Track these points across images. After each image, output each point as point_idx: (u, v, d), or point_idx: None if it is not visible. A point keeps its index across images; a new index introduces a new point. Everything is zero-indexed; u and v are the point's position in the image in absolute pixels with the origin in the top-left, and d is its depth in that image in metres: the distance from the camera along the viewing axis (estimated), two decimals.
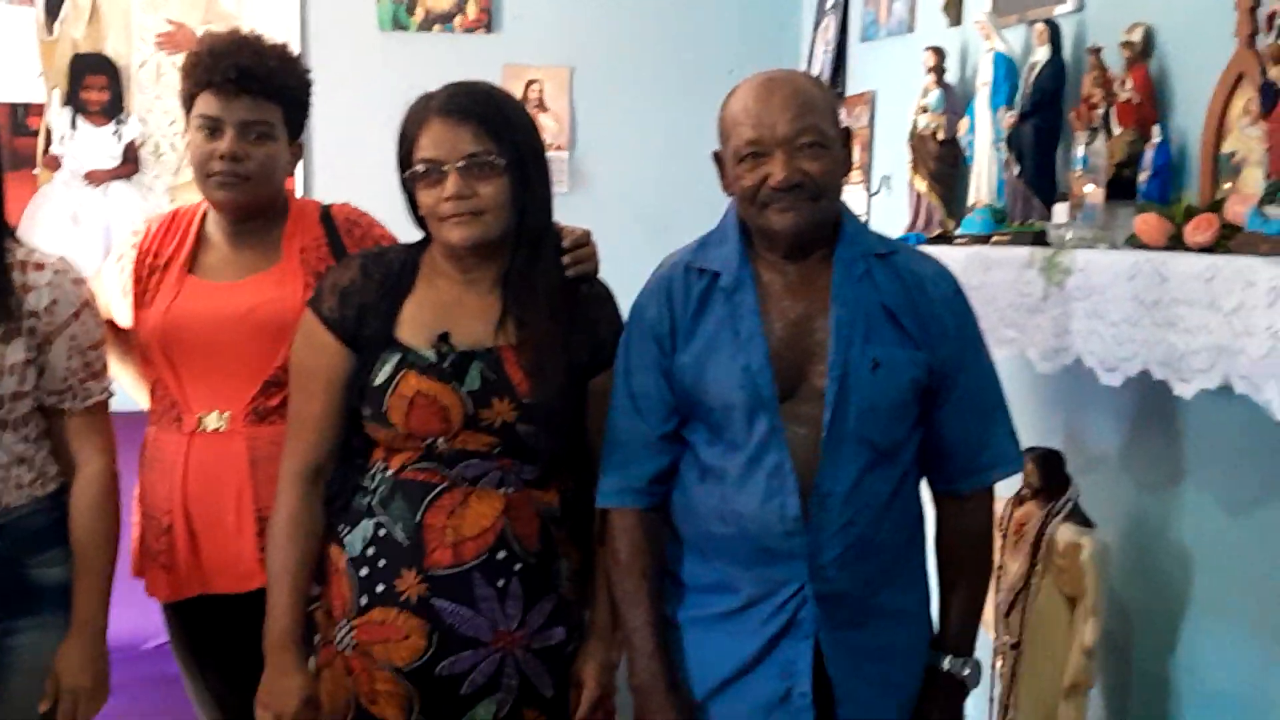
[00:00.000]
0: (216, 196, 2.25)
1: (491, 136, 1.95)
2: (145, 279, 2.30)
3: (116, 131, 4.06)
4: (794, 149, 1.84)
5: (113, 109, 4.06)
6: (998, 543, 2.34)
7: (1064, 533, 2.26)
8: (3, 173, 2.05)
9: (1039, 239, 2.40)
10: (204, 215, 2.33)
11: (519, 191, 1.98)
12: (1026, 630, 2.33)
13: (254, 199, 2.26)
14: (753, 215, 1.89)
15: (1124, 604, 2.33)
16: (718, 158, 1.96)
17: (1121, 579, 2.31)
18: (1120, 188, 2.32)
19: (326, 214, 2.36)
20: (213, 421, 2.23)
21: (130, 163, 4.09)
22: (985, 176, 2.78)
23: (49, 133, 4.03)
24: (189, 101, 2.25)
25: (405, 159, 2.00)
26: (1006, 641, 2.38)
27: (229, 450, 2.22)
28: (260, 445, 2.18)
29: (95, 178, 4.08)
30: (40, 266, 2.04)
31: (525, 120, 2.04)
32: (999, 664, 2.41)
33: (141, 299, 2.29)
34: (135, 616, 2.47)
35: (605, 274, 2.15)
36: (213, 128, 2.21)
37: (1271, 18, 1.91)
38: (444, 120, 1.95)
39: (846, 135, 1.94)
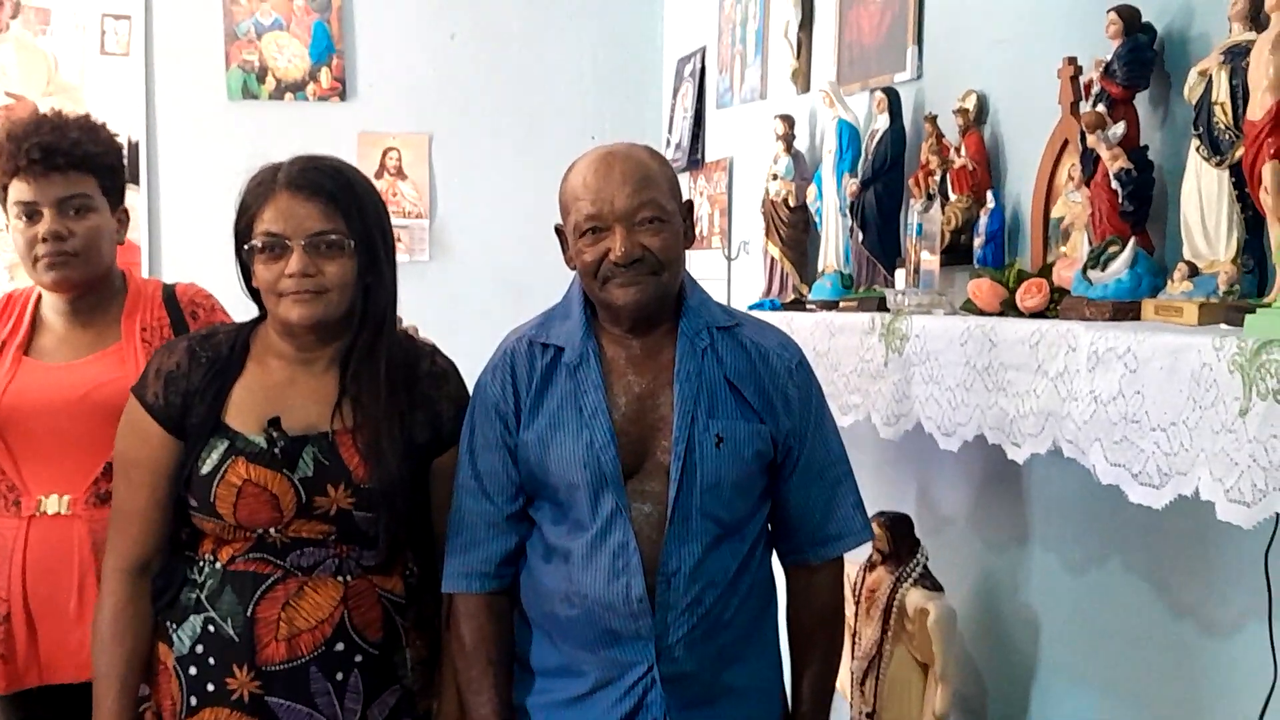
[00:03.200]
0: (47, 279, 2.20)
1: (340, 215, 1.90)
2: None
3: None
4: (633, 224, 1.83)
5: None
6: (850, 609, 2.34)
7: (913, 598, 2.27)
8: None
9: (882, 304, 2.42)
10: (39, 297, 2.28)
11: (364, 272, 1.93)
12: (881, 698, 2.33)
13: (85, 274, 2.22)
14: (595, 290, 1.88)
15: (977, 665, 2.34)
16: (559, 231, 1.95)
17: (973, 640, 2.33)
18: (957, 253, 2.36)
19: (170, 294, 2.32)
20: (53, 505, 2.17)
21: None
22: (833, 242, 2.81)
23: None
24: (2, 193, 2.21)
25: (244, 230, 1.93)
26: (862, 710, 2.37)
27: (70, 534, 2.16)
28: (102, 529, 2.08)
29: None
30: None
31: (375, 199, 2.00)
32: None
33: None
34: None
35: (466, 341, 2.13)
36: (30, 212, 2.18)
37: (1089, 86, 1.96)
38: (292, 195, 1.89)
39: (688, 208, 1.94)
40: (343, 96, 4.20)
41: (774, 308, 2.95)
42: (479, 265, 4.31)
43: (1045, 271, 2.07)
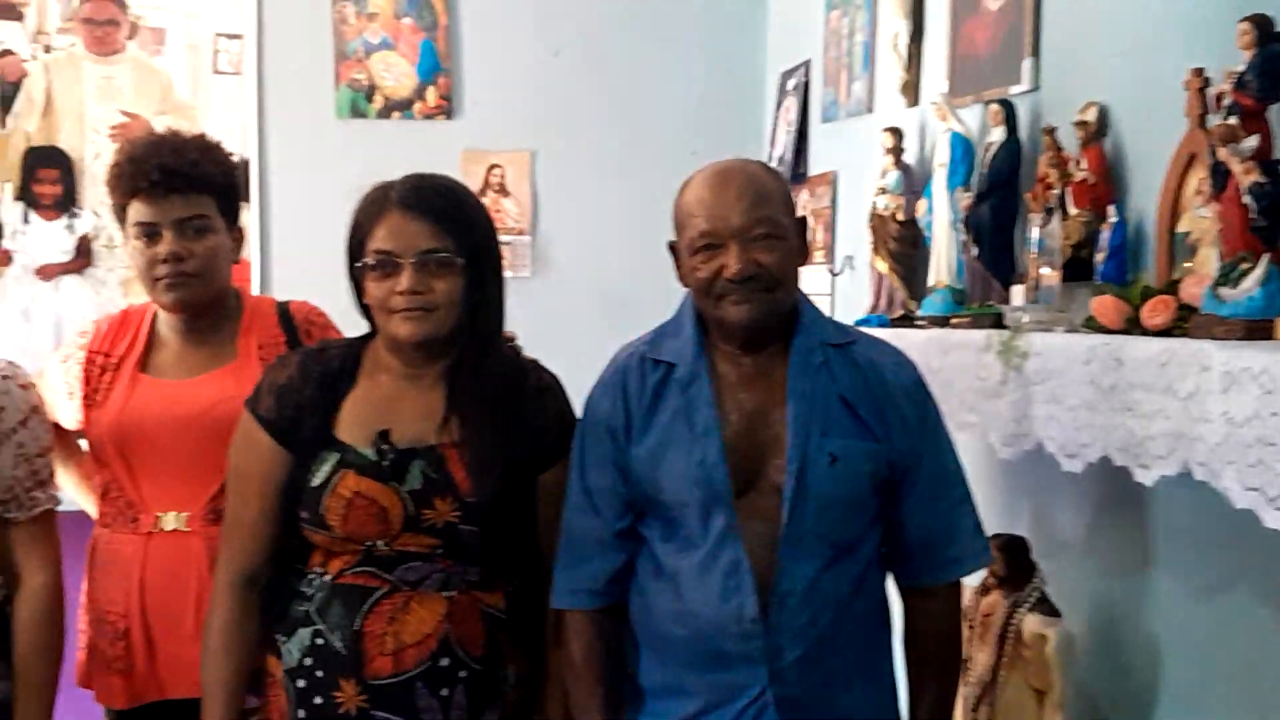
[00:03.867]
0: (167, 299, 2.23)
1: (450, 233, 1.92)
2: (96, 379, 2.26)
3: (69, 225, 4.02)
4: (748, 240, 1.81)
5: (65, 202, 4.02)
6: (965, 634, 2.28)
7: (1030, 623, 2.20)
8: None
9: (997, 321, 2.37)
10: (155, 315, 2.31)
11: (473, 290, 1.94)
12: None
13: (204, 294, 2.24)
14: (708, 307, 1.86)
15: (1093, 695, 2.26)
16: (673, 248, 1.93)
17: (1090, 669, 2.25)
18: (1077, 268, 2.29)
19: (285, 312, 2.34)
20: (171, 522, 2.20)
21: (82, 257, 4.04)
22: (944, 257, 2.75)
23: (0, 227, 3.98)
24: (120, 213, 2.24)
25: (356, 248, 1.95)
26: None
27: (188, 551, 2.18)
28: (219, 545, 2.10)
29: (47, 272, 4.03)
30: None
31: (484, 218, 2.01)
32: None
33: (92, 399, 2.25)
34: None
35: (567, 358, 2.11)
36: (150, 233, 2.20)
37: (1219, 98, 1.89)
38: (403, 213, 1.91)
39: (802, 224, 1.91)
40: (448, 115, 4.22)
41: (882, 324, 2.90)
42: (580, 281, 4.30)
43: (1171, 288, 1.99)
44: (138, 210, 2.20)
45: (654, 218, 4.18)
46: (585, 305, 4.24)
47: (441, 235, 1.91)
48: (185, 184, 2.19)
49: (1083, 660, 2.20)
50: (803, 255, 1.92)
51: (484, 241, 1.97)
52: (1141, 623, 2.17)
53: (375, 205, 1.94)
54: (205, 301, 2.25)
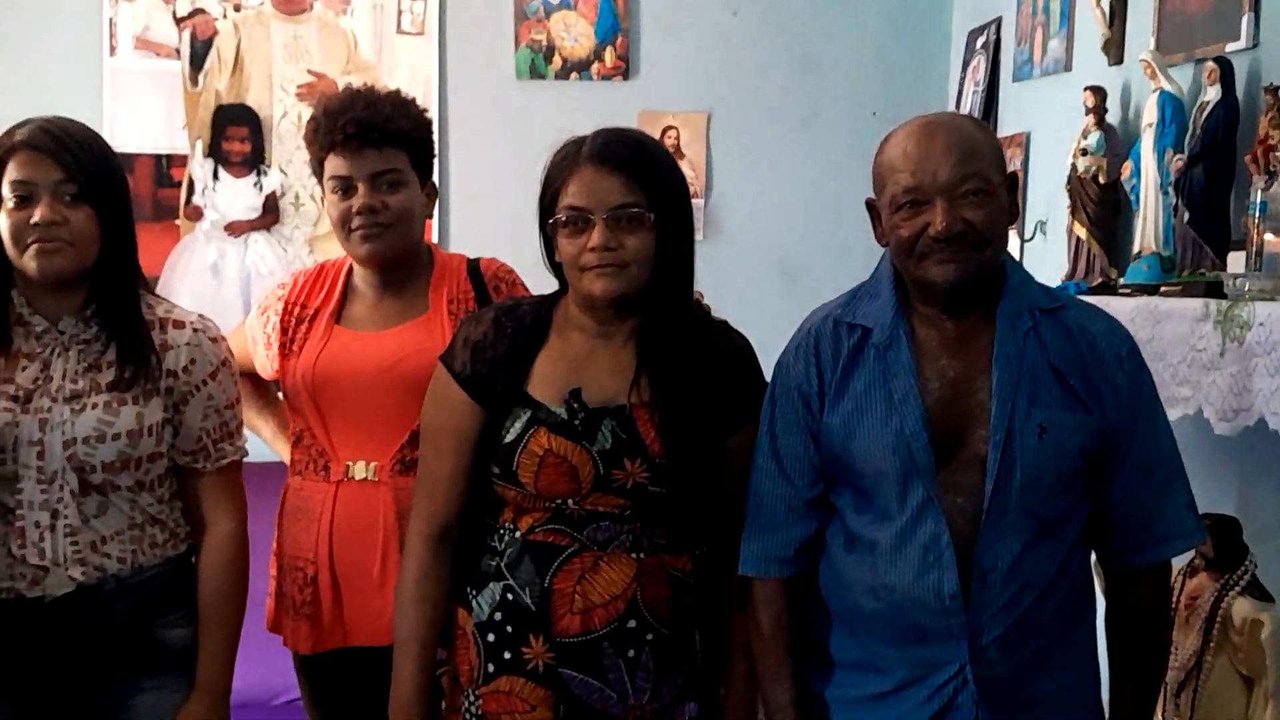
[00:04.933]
0: (361, 251, 2.25)
1: (642, 188, 1.88)
2: (292, 329, 2.31)
3: (257, 183, 4.12)
4: (956, 197, 1.72)
5: (254, 160, 4.12)
6: None
7: (1241, 608, 2.09)
8: (134, 230, 2.04)
9: (1212, 289, 2.24)
10: (350, 268, 2.35)
11: (664, 246, 1.90)
12: (1199, 712, 2.16)
13: (398, 247, 2.26)
14: (909, 267, 1.78)
15: None
16: (871, 206, 1.85)
17: None
18: None
19: (475, 268, 2.35)
20: (360, 471, 2.22)
21: (270, 214, 4.14)
22: (1151, 222, 2.63)
23: (191, 184, 4.10)
24: (318, 167, 2.28)
25: (549, 205, 1.93)
26: None
27: (376, 500, 2.21)
28: (407, 496, 2.12)
29: (236, 229, 4.14)
30: (179, 325, 2.03)
31: (676, 173, 1.97)
32: None
33: (288, 349, 2.30)
34: (265, 673, 2.45)
35: (740, 323, 2.06)
36: (345, 186, 2.22)
37: None
38: (595, 168, 1.88)
39: (1013, 181, 1.82)
40: (625, 75, 4.19)
41: (1080, 292, 2.77)
42: (752, 246, 4.24)
43: None
44: (334, 164, 2.23)
45: (830, 182, 4.18)
46: (757, 270, 4.19)
47: (634, 190, 1.88)
48: (379, 138, 2.20)
49: None
50: (1013, 214, 1.82)
51: (676, 198, 1.93)
52: None
53: (567, 161, 1.92)
54: (398, 254, 2.27)
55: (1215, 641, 2.13)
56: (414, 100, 2.33)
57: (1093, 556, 1.88)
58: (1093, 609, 1.87)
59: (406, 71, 4.05)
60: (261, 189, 4.12)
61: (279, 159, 4.12)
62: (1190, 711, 2.18)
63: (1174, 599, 2.22)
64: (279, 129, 4.10)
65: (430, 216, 2.35)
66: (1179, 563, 2.18)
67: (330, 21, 4.11)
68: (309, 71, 4.10)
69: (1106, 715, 1.88)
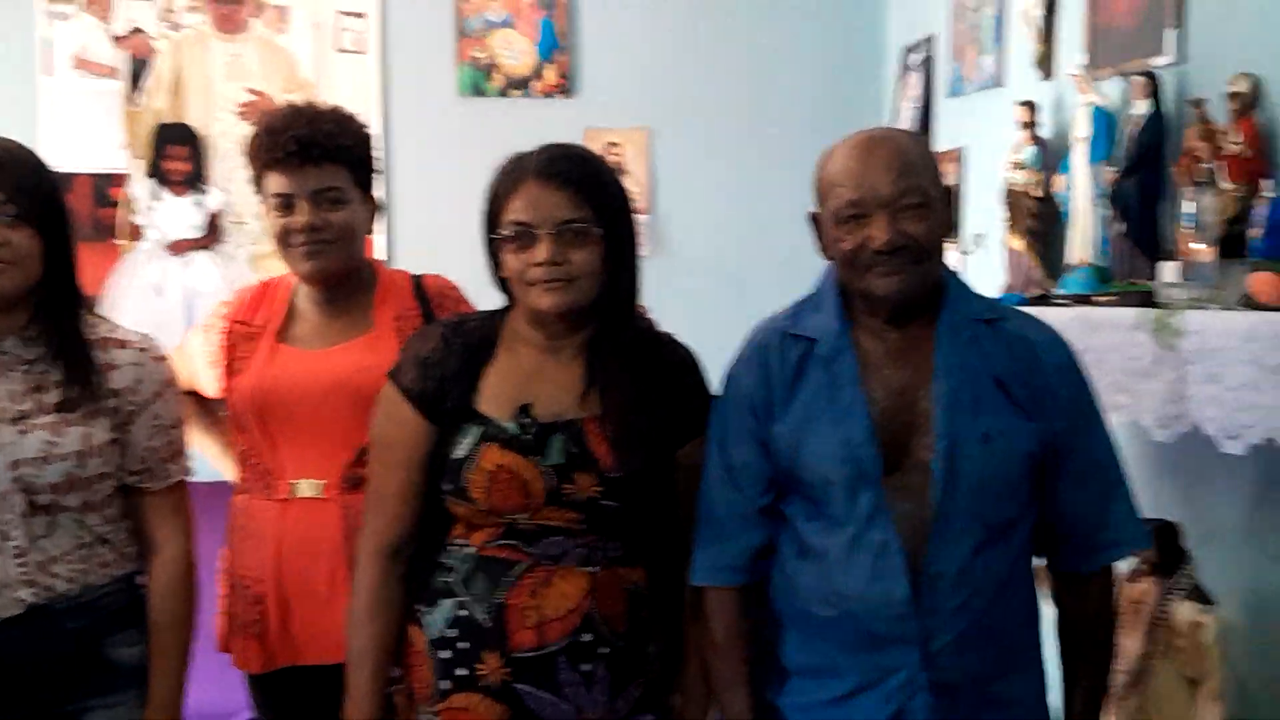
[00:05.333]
0: (304, 268, 2.25)
1: (588, 203, 1.89)
2: (236, 348, 2.30)
3: (198, 201, 4.10)
4: (897, 210, 1.75)
5: (195, 179, 4.10)
6: None
7: (1184, 611, 2.14)
8: (76, 249, 2.02)
9: (1145, 299, 2.30)
10: (294, 286, 2.34)
11: (611, 260, 1.92)
12: (1144, 714, 2.21)
13: (340, 263, 2.26)
14: (853, 279, 1.81)
15: (1247, 685, 2.19)
16: (815, 219, 1.88)
17: (1245, 658, 2.18)
18: (1230, 244, 2.22)
19: (419, 285, 2.35)
20: (307, 489, 2.22)
21: (212, 232, 4.12)
22: (1085, 234, 2.69)
23: (132, 203, 4.06)
24: (259, 183, 2.27)
25: (494, 220, 1.94)
26: None
27: (323, 518, 2.20)
28: (355, 513, 2.12)
29: (178, 248, 4.11)
30: (123, 344, 2.02)
31: (620, 188, 1.98)
32: None
33: (232, 367, 2.29)
34: (217, 693, 2.43)
35: (687, 335, 2.08)
36: (286, 203, 2.22)
37: None
38: (541, 183, 1.89)
39: (948, 195, 1.86)
40: (566, 93, 4.22)
41: (1018, 302, 2.82)
42: (698, 261, 4.27)
43: None
44: (274, 181, 2.22)
45: (771, 195, 4.22)
46: (702, 284, 4.22)
47: (579, 205, 1.89)
48: (320, 155, 2.20)
49: (1237, 650, 2.13)
50: (950, 226, 1.86)
51: (621, 212, 1.95)
52: None
53: (512, 176, 1.92)
54: (341, 271, 2.26)
55: (1159, 645, 2.18)
56: (355, 116, 2.32)
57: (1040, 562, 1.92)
58: (1039, 614, 1.89)
59: (348, 90, 4.05)
60: (203, 208, 4.10)
61: (220, 178, 4.09)
62: (1137, 713, 2.23)
63: (1118, 603, 2.26)
64: (220, 148, 4.08)
65: (371, 232, 2.34)
66: (1122, 567, 2.23)
67: (270, 40, 4.09)
68: (249, 90, 4.09)
69: (1056, 717, 1.91)
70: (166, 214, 4.09)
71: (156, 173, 4.08)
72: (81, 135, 4.03)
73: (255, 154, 2.25)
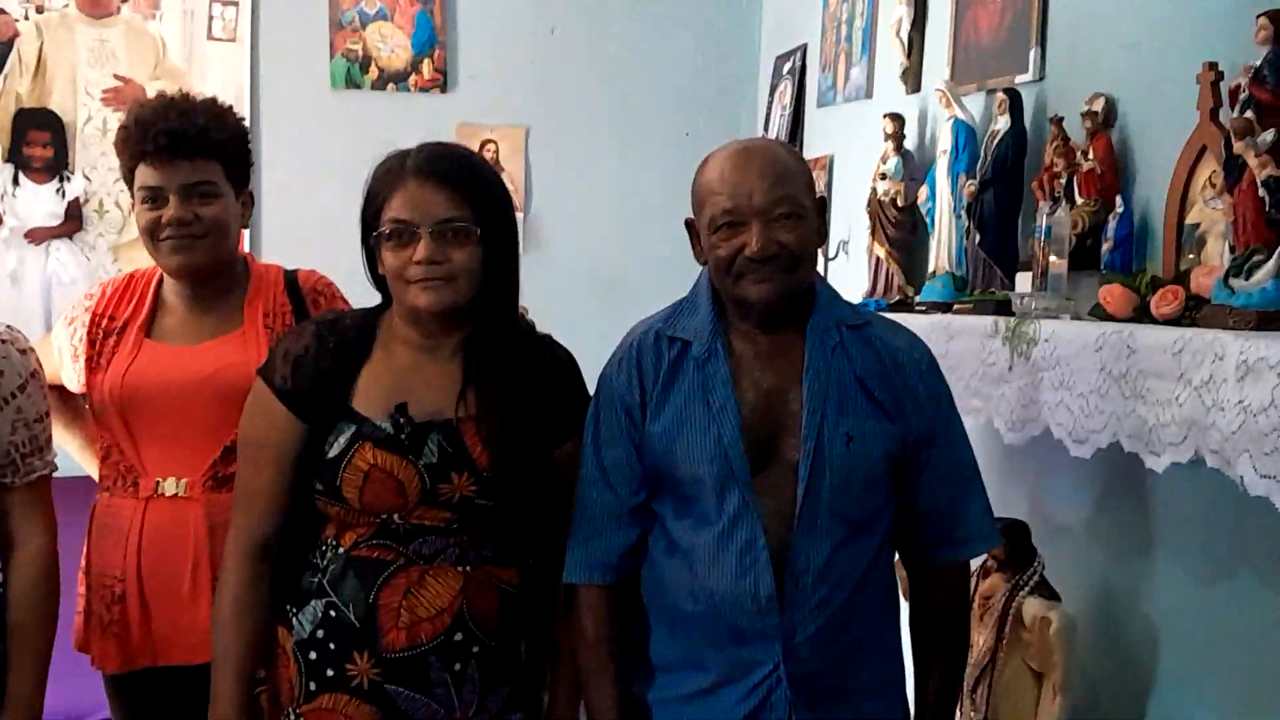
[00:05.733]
0: (171, 262, 2.21)
1: (467, 202, 1.90)
2: (100, 342, 2.25)
3: (60, 189, 3.99)
4: (770, 219, 1.80)
5: (56, 165, 3.99)
6: None
7: (1031, 606, 2.23)
8: None
9: (1001, 308, 2.39)
10: (160, 279, 2.30)
11: (490, 260, 1.93)
12: (993, 706, 2.29)
13: (209, 259, 2.23)
14: (727, 285, 1.86)
15: (1092, 677, 2.29)
16: (690, 226, 1.92)
17: (1089, 652, 2.28)
18: (1083, 257, 2.31)
19: (293, 280, 2.33)
20: (170, 487, 2.19)
21: (73, 220, 4.01)
22: (945, 244, 2.77)
23: None
24: (129, 175, 2.23)
25: (372, 218, 1.93)
26: (973, 717, 2.33)
27: (187, 516, 2.17)
28: (219, 512, 2.11)
29: (36, 236, 4.00)
30: None
31: (500, 188, 2.00)
32: None
33: (95, 362, 2.24)
34: (73, 693, 2.38)
35: (559, 335, 2.10)
36: (155, 197, 2.19)
37: (1235, 91, 1.91)
38: (420, 182, 1.89)
39: (821, 205, 1.91)
40: (443, 88, 4.21)
41: (879, 308, 2.91)
42: (572, 260, 4.30)
43: (1181, 278, 2.02)
44: (144, 174, 2.19)
45: (645, 197, 4.27)
46: (577, 283, 4.25)
47: (459, 204, 1.89)
48: (192, 149, 2.17)
49: (1082, 643, 2.22)
50: (822, 236, 1.92)
51: (501, 212, 1.96)
52: (1141, 607, 2.21)
53: (391, 174, 1.92)
54: (209, 266, 2.24)
55: (1008, 638, 2.27)
56: (230, 108, 2.30)
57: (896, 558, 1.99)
58: (898, 606, 1.97)
59: (218, 79, 3.98)
60: (64, 195, 3.99)
61: (83, 164, 4.00)
62: (986, 705, 2.32)
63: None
64: (83, 134, 3.98)
65: (246, 227, 2.32)
66: (973, 564, 2.32)
67: (138, 26, 4.01)
68: (115, 76, 4.00)
69: (912, 707, 1.98)
70: (26, 201, 3.98)
71: (16, 158, 3.96)
72: None
73: (124, 146, 2.21)
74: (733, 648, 1.83)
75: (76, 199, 4.00)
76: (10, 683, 1.99)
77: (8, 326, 2.03)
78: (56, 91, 3.98)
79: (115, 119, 3.98)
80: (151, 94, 2.29)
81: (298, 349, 1.96)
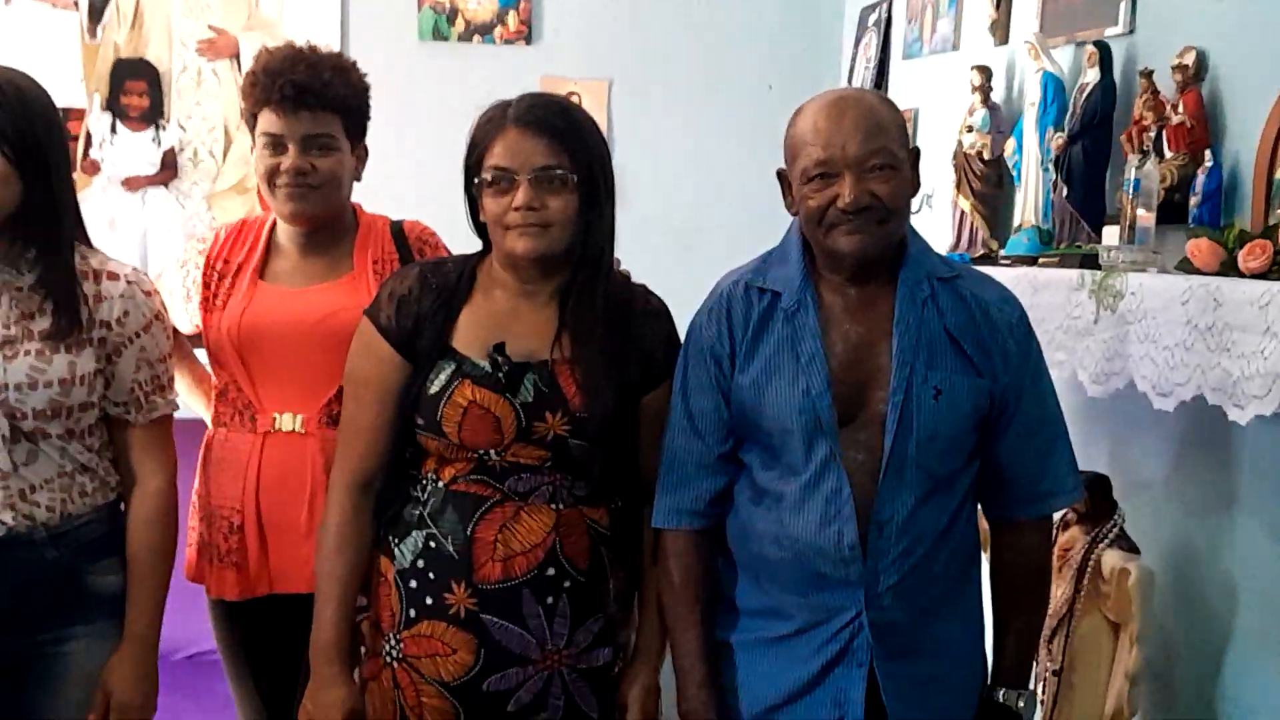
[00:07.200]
0: (286, 210, 2.28)
1: (566, 151, 1.95)
2: (215, 284, 2.33)
3: (155, 138, 4.08)
4: (864, 171, 1.82)
5: (152, 115, 4.08)
6: None
7: (1110, 558, 2.25)
8: (66, 179, 2.05)
9: (1087, 261, 2.39)
10: (273, 225, 2.37)
11: (586, 208, 1.97)
12: (1069, 656, 2.32)
13: (323, 209, 2.30)
14: (818, 236, 1.88)
15: (1168, 632, 2.30)
16: (782, 176, 1.94)
17: (1166, 607, 2.29)
18: (1170, 211, 2.31)
19: (399, 230, 2.39)
20: (288, 423, 2.27)
21: (168, 169, 4.10)
22: (1032, 197, 2.77)
23: (89, 137, 4.05)
24: (251, 120, 2.30)
25: (474, 165, 1.99)
26: (1049, 668, 2.36)
27: (303, 451, 2.25)
28: (333, 448, 2.15)
29: (133, 184, 4.10)
30: (114, 276, 2.04)
31: (599, 139, 2.04)
32: (1041, 690, 2.39)
33: (211, 303, 2.32)
34: (171, 626, 2.47)
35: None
36: (276, 144, 2.25)
37: None
38: (520, 130, 1.95)
39: (916, 156, 1.92)
40: (528, 40, 4.24)
41: (964, 262, 2.92)
42: (652, 213, 4.29)
43: (1269, 233, 2.01)
44: (267, 121, 2.25)
45: (728, 150, 4.28)
46: (656, 236, 4.24)
47: (557, 153, 1.94)
48: (315, 101, 2.23)
49: (1159, 597, 2.24)
50: (915, 188, 1.93)
51: (598, 162, 2.00)
52: (1219, 562, 2.22)
53: (493, 123, 1.98)
54: (322, 215, 2.30)
55: (1086, 591, 2.29)
56: (354, 65, 2.36)
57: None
58: (980, 560, 2.00)
59: (308, 30, 4.01)
60: (160, 144, 4.08)
61: (178, 114, 4.08)
62: (1062, 656, 2.34)
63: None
64: (178, 84, 4.06)
65: (359, 180, 2.38)
66: (1053, 517, 2.34)
67: None
68: (209, 27, 4.07)
69: (990, 660, 2.02)
70: (123, 150, 4.07)
71: (114, 107, 4.06)
72: (38, 68, 3.90)
73: (250, 92, 2.28)
74: (816, 594, 1.87)
75: (171, 148, 4.09)
76: (129, 614, 2.07)
77: (134, 269, 2.09)
78: (153, 42, 4.05)
79: (209, 70, 4.07)
80: (246, 45, 2.33)
81: (402, 290, 2.03)
